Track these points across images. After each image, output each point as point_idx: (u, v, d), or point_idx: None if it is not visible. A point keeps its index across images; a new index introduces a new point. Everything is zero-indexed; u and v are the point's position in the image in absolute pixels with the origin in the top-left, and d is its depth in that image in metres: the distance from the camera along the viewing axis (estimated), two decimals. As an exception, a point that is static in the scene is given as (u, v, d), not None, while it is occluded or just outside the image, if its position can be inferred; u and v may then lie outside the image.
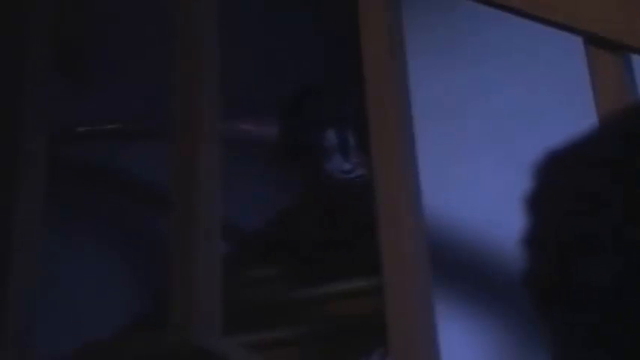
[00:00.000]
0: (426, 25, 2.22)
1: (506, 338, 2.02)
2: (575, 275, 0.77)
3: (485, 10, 1.71)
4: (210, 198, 1.47)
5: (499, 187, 2.04)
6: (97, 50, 2.32)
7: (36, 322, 1.69)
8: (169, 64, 1.64)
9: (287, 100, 2.72)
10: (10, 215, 1.74)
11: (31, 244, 1.74)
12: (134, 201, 2.33)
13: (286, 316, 2.24)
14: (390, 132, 1.78)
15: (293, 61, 2.89)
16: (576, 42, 1.54)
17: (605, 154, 0.79)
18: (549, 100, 2.04)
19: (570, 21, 1.53)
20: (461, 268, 2.08)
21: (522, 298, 2.01)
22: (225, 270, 1.48)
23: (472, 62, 2.19)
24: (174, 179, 1.50)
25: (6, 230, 1.73)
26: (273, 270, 2.49)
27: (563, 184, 0.83)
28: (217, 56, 1.65)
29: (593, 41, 1.49)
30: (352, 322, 2.21)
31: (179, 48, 1.64)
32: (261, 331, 2.10)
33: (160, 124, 1.74)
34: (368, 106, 1.79)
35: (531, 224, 0.86)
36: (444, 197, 2.05)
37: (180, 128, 1.53)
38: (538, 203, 0.85)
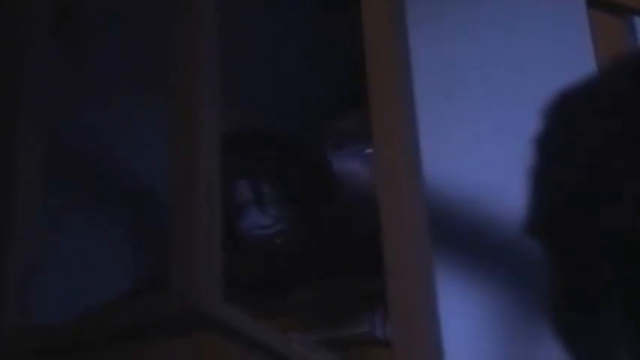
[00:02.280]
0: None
1: (506, 306, 2.02)
2: (589, 219, 0.76)
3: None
4: (210, 161, 1.47)
5: (499, 156, 2.04)
6: (94, 15, 2.31)
7: (36, 289, 1.69)
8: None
9: None
10: (9, 183, 1.74)
11: (30, 211, 1.74)
12: (134, 165, 2.32)
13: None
14: (390, 100, 1.77)
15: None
16: (578, 9, 1.53)
17: (616, 91, 0.79)
18: (550, 67, 2.03)
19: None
20: (460, 236, 2.08)
21: (522, 266, 2.02)
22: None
23: (472, 30, 2.18)
24: (172, 143, 1.50)
25: (6, 197, 1.73)
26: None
27: (575, 123, 0.82)
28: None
29: (595, 4, 1.48)
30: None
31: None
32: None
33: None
34: (368, 74, 1.78)
35: (542, 164, 0.85)
36: (444, 166, 2.05)
37: (178, 89, 1.52)
38: (549, 143, 0.85)
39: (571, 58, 1.84)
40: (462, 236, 2.10)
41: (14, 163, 1.74)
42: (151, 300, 1.57)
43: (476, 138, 2.10)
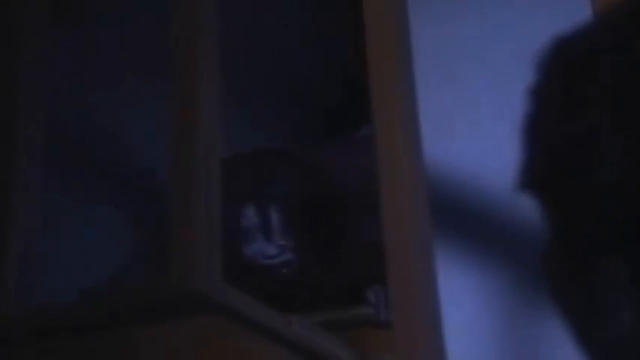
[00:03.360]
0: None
1: (507, 288, 2.02)
2: (583, 168, 0.74)
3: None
4: (211, 143, 1.47)
5: (500, 138, 2.03)
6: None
7: (35, 270, 1.69)
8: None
9: None
10: (8, 165, 1.74)
11: (30, 191, 1.73)
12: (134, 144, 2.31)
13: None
14: (390, 81, 1.77)
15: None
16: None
17: (615, 38, 0.77)
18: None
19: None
20: (461, 218, 2.07)
21: (523, 248, 2.01)
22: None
23: (473, 10, 2.17)
24: (173, 124, 1.49)
25: (5, 179, 1.73)
26: None
27: (572, 72, 0.81)
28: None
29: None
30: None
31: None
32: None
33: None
34: (369, 56, 1.78)
35: (537, 114, 0.83)
36: (445, 147, 2.04)
37: (179, 67, 1.51)
38: (545, 93, 0.83)
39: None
40: (462, 220, 2.10)
41: (13, 144, 1.74)
42: (150, 282, 1.57)
43: (477, 120, 2.09)
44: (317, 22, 2.81)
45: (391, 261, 1.66)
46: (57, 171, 1.99)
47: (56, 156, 1.97)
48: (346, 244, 2.16)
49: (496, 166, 2.01)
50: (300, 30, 2.75)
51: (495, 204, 2.06)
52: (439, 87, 2.07)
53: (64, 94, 2.11)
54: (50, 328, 1.51)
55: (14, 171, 1.73)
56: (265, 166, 2.22)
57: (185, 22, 1.54)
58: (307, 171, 2.24)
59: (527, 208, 1.91)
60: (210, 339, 1.45)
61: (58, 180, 2.01)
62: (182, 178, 1.47)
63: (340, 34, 2.66)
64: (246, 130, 2.44)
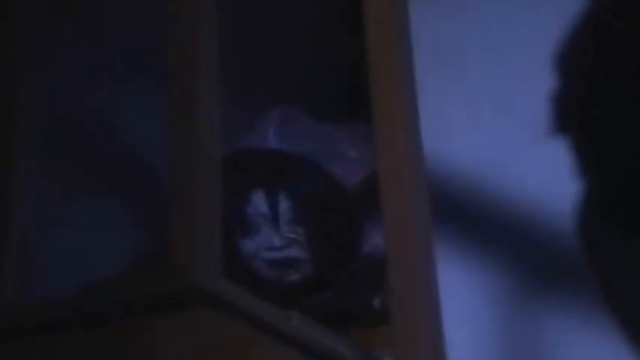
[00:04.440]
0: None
1: (507, 281, 2.02)
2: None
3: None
4: (210, 136, 1.46)
5: (500, 132, 2.03)
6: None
7: (35, 264, 1.69)
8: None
9: None
10: (8, 156, 1.73)
11: (30, 187, 1.73)
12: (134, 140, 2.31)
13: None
14: (390, 75, 1.77)
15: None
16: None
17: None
18: (553, 43, 2.02)
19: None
20: (461, 212, 2.08)
21: (523, 244, 2.01)
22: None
23: (474, 4, 2.17)
24: (172, 116, 1.49)
25: (6, 173, 1.72)
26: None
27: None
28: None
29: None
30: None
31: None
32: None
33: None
34: (368, 49, 1.78)
35: (569, 53, 0.82)
36: (444, 141, 2.04)
37: (177, 63, 1.51)
38: (577, 34, 0.82)
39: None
40: (462, 214, 2.10)
41: (13, 133, 1.73)
42: (150, 276, 1.57)
43: (477, 114, 2.09)
44: (317, 16, 2.80)
45: (391, 255, 1.66)
46: (57, 164, 1.99)
47: (56, 149, 1.97)
48: (355, 251, 2.07)
49: (496, 158, 2.02)
50: (298, 20, 2.73)
51: (496, 197, 2.06)
52: (439, 80, 2.07)
53: (65, 85, 2.10)
54: (48, 322, 1.51)
55: (13, 163, 1.72)
56: (278, 160, 2.11)
57: (184, 19, 1.54)
58: (320, 173, 2.11)
59: (528, 201, 1.92)
60: (209, 334, 1.45)
61: (58, 173, 2.01)
62: (182, 172, 1.46)
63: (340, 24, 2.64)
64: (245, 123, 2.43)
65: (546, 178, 1.89)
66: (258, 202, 2.01)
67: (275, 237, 2.00)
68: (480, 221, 2.07)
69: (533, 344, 1.99)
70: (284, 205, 2.02)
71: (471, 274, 2.03)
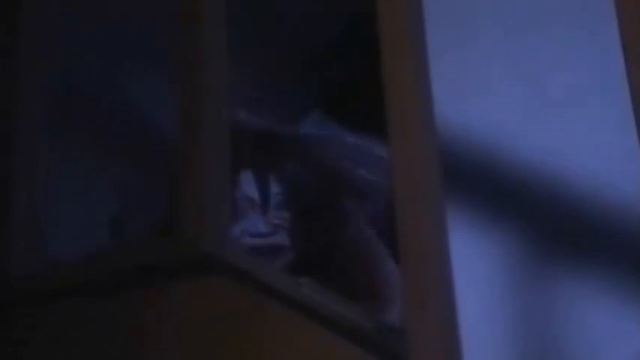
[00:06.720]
0: None
1: (518, 252, 2.02)
2: None
3: None
4: (218, 104, 1.46)
5: (511, 98, 2.02)
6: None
7: (44, 229, 1.69)
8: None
9: None
10: (13, 127, 1.73)
11: (34, 156, 1.73)
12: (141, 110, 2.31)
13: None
14: (401, 40, 1.76)
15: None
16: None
17: None
18: (564, 5, 2.01)
19: None
20: (473, 178, 2.07)
21: (536, 210, 2.00)
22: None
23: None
24: (180, 86, 1.48)
25: (8, 144, 1.72)
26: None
27: None
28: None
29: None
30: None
31: None
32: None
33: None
34: (380, 15, 1.77)
35: None
36: (456, 107, 2.03)
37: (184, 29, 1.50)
38: None
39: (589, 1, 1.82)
40: (474, 182, 2.09)
41: (16, 103, 1.73)
42: (160, 244, 1.57)
43: (488, 80, 2.08)
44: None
45: (402, 223, 1.65)
46: (64, 134, 1.98)
47: (62, 119, 1.96)
48: (343, 240, 1.97)
49: (508, 124, 2.00)
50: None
51: (509, 163, 2.06)
52: (450, 46, 2.06)
53: (69, 52, 2.10)
54: (57, 290, 1.52)
55: (19, 135, 1.72)
56: (270, 140, 1.98)
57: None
58: (314, 159, 2.00)
59: (541, 167, 1.90)
60: (219, 300, 1.45)
61: (65, 143, 2.01)
62: (190, 141, 1.46)
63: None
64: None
65: (560, 143, 1.88)
66: (247, 184, 1.90)
67: (261, 222, 1.88)
68: (492, 187, 2.06)
69: (546, 312, 1.99)
70: (274, 189, 1.92)
71: (483, 241, 2.02)
